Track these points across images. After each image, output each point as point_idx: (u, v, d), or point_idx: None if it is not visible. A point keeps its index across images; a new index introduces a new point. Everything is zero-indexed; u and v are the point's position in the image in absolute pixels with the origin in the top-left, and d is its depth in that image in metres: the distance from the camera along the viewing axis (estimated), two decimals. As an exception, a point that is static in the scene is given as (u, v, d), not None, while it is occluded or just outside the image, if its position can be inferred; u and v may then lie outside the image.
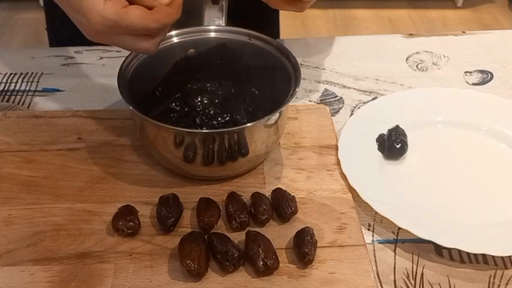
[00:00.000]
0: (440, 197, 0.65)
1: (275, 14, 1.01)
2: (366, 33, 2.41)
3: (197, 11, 0.73)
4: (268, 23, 1.00)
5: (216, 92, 0.72)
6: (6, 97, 0.80)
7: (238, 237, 0.59)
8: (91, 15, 0.53)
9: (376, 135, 0.72)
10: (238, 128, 0.61)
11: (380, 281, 0.57)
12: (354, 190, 0.64)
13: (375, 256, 0.60)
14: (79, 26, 0.56)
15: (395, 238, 0.61)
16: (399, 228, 0.61)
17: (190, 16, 0.70)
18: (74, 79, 0.82)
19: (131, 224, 0.59)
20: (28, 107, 0.79)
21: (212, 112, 0.69)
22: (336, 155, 0.69)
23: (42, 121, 0.73)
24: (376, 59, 0.88)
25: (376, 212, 0.62)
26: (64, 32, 0.72)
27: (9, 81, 0.83)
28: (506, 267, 0.59)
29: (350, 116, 0.76)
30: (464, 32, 0.95)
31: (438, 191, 0.66)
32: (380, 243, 0.61)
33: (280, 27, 1.04)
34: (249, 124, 0.61)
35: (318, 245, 0.58)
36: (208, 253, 0.57)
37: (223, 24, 0.73)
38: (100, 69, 0.84)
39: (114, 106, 0.77)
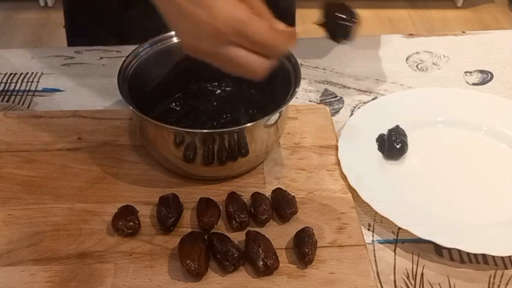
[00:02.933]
0: (440, 197, 0.65)
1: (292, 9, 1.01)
2: (366, 33, 2.41)
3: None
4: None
5: (216, 92, 0.72)
6: (7, 97, 0.80)
7: (238, 237, 0.59)
8: (218, 11, 0.49)
9: (376, 135, 0.72)
10: (238, 128, 0.61)
11: (380, 281, 0.57)
12: (354, 190, 0.64)
13: (375, 256, 0.60)
14: (189, 22, 0.51)
15: (395, 238, 0.61)
16: (399, 228, 0.61)
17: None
18: (74, 79, 0.82)
19: (131, 224, 0.59)
20: (28, 107, 0.79)
21: (212, 112, 0.69)
22: (336, 155, 0.69)
23: (43, 121, 0.73)
24: (376, 59, 0.88)
25: (376, 212, 0.62)
26: (83, 30, 0.70)
27: (9, 81, 0.83)
28: (506, 267, 0.59)
29: (350, 116, 0.76)
30: (464, 32, 0.95)
31: (438, 191, 0.66)
32: (380, 243, 0.61)
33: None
34: (249, 124, 0.61)
35: (318, 245, 0.58)
36: (208, 253, 0.57)
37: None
38: (100, 69, 0.84)
39: (114, 106, 0.78)
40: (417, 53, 0.90)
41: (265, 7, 0.53)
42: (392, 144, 0.69)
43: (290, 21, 1.01)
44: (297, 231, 0.59)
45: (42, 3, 2.71)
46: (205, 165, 0.62)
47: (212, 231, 0.59)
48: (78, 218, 0.62)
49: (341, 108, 0.79)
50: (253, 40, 0.51)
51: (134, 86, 0.65)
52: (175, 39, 0.71)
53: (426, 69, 0.86)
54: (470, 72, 0.86)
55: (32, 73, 0.84)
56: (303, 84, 0.82)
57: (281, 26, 0.53)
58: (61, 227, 0.60)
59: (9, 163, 0.68)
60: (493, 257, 0.59)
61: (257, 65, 0.52)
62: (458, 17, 2.74)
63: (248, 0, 0.51)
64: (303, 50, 0.89)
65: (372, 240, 0.61)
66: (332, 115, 0.76)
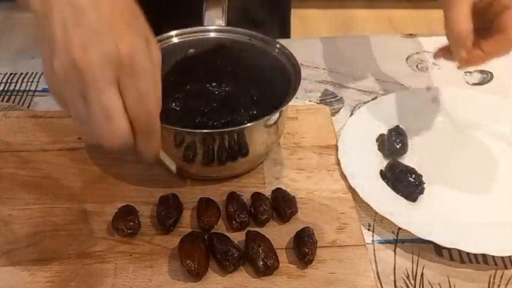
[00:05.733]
0: (440, 197, 0.65)
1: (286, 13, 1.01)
2: (366, 33, 2.41)
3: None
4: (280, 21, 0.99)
5: (216, 92, 0.72)
6: (7, 97, 0.80)
7: (238, 237, 0.59)
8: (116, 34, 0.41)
9: (376, 135, 0.72)
10: (238, 128, 0.61)
11: (380, 281, 0.57)
12: (354, 190, 0.64)
13: (375, 256, 0.60)
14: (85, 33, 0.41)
15: (395, 238, 0.61)
16: (399, 228, 0.61)
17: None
18: (74, 79, 0.82)
19: (131, 224, 0.59)
20: (28, 107, 0.79)
21: (212, 112, 0.69)
22: (336, 155, 0.69)
23: (43, 121, 0.73)
24: (376, 59, 0.88)
25: (376, 212, 0.62)
26: None
27: (9, 81, 0.83)
28: (506, 267, 0.59)
29: (350, 116, 0.76)
30: (464, 32, 0.95)
31: (438, 191, 0.66)
32: (380, 243, 0.61)
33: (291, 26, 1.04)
34: (249, 124, 0.61)
35: (318, 245, 0.58)
36: (208, 253, 0.57)
37: (223, 24, 0.73)
38: (100, 69, 0.84)
39: (114, 106, 0.77)
40: (417, 53, 0.90)
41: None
42: (392, 144, 0.70)
43: (284, 29, 1.01)
44: (297, 231, 0.59)
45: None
46: (205, 165, 0.62)
47: (212, 231, 0.59)
48: (78, 218, 0.62)
49: (341, 108, 0.79)
50: (138, 97, 0.43)
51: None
52: (175, 39, 0.71)
53: (426, 69, 0.86)
54: (470, 72, 0.86)
55: (32, 73, 0.84)
56: (303, 84, 0.82)
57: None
58: (61, 227, 0.60)
59: (9, 163, 0.68)
60: (493, 257, 0.59)
61: (120, 127, 0.43)
62: (458, 17, 2.73)
63: (149, 51, 0.44)
64: (303, 50, 0.89)
65: (372, 240, 0.61)
66: (332, 115, 0.76)
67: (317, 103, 0.79)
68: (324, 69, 0.86)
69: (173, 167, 0.53)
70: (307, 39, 0.91)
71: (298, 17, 2.48)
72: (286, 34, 1.01)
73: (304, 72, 0.82)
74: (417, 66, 0.87)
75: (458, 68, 0.66)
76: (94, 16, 0.42)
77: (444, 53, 0.67)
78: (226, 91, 0.72)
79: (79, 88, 0.41)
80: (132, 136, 0.44)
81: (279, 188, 0.64)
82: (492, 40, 0.62)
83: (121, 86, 0.42)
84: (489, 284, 0.57)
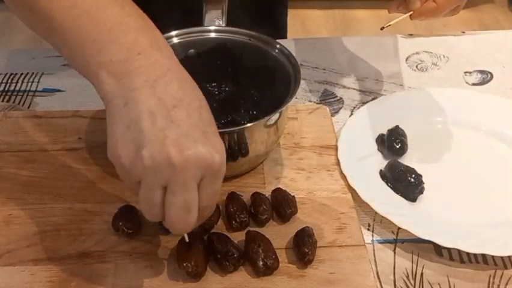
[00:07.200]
0: (440, 197, 0.65)
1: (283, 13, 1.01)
2: (366, 33, 2.41)
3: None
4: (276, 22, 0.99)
5: (216, 93, 0.72)
6: (7, 97, 0.80)
7: (238, 237, 0.59)
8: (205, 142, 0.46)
9: (376, 135, 0.72)
10: (238, 128, 0.61)
11: (380, 281, 0.57)
12: (354, 190, 0.64)
13: (375, 256, 0.60)
14: (151, 133, 0.44)
15: (395, 238, 0.61)
16: (399, 228, 0.61)
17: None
18: (75, 79, 0.82)
19: (131, 224, 0.59)
20: (28, 107, 0.79)
21: (212, 112, 0.69)
22: (336, 155, 0.69)
23: (43, 121, 0.74)
24: (376, 59, 0.88)
25: (376, 212, 0.62)
26: None
27: (9, 81, 0.83)
28: (506, 267, 0.59)
29: (350, 116, 0.76)
30: (464, 32, 0.95)
31: (438, 191, 0.66)
32: (380, 243, 0.61)
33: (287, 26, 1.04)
34: (249, 124, 0.61)
35: (318, 245, 0.58)
36: (206, 253, 0.56)
37: (223, 25, 0.73)
38: (100, 69, 0.84)
39: (114, 106, 0.77)
40: (417, 53, 0.90)
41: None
42: (392, 144, 0.70)
43: (281, 32, 1.01)
44: (297, 231, 0.59)
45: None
46: (205, 165, 0.62)
47: (212, 231, 0.59)
48: (78, 218, 0.62)
49: (340, 108, 0.79)
50: (212, 196, 0.48)
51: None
52: (175, 39, 0.71)
53: (426, 70, 0.86)
54: (470, 73, 0.86)
55: (32, 73, 0.84)
56: (303, 84, 0.82)
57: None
58: (61, 227, 0.61)
59: (10, 163, 0.68)
60: (493, 257, 0.59)
61: (193, 219, 0.48)
62: (458, 17, 2.72)
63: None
64: (303, 50, 0.89)
65: (372, 240, 0.61)
66: (331, 115, 0.76)
67: (317, 103, 0.79)
68: (324, 69, 0.86)
69: (186, 238, 0.55)
70: (307, 39, 0.92)
71: (298, 17, 2.48)
72: (283, 35, 1.01)
73: (304, 72, 0.82)
74: (417, 66, 0.87)
75: (412, 19, 0.68)
76: (183, 113, 0.45)
77: (399, 4, 0.68)
78: (226, 91, 0.72)
79: (165, 179, 0.45)
80: None
81: (279, 188, 0.64)
82: None
83: (201, 184, 0.46)
84: (489, 284, 0.57)
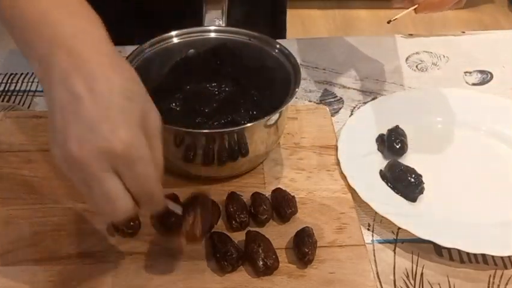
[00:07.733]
0: (440, 197, 0.65)
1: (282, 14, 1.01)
2: (366, 33, 2.41)
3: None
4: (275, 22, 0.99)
5: (216, 92, 0.72)
6: (7, 97, 0.80)
7: (238, 237, 0.59)
8: (118, 129, 0.43)
9: (376, 135, 0.72)
10: (238, 128, 0.61)
11: (380, 281, 0.57)
12: (354, 190, 0.64)
13: (375, 256, 0.60)
14: (82, 125, 0.43)
15: (395, 238, 0.61)
16: (399, 228, 0.61)
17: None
18: (75, 79, 0.82)
19: (131, 224, 0.59)
20: (28, 107, 0.79)
21: (212, 112, 0.69)
22: (336, 155, 0.69)
23: (43, 121, 0.73)
24: (376, 59, 0.88)
25: (376, 212, 0.62)
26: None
27: (9, 81, 0.83)
28: (506, 267, 0.59)
29: (350, 116, 0.76)
30: (464, 32, 0.95)
31: (438, 191, 0.66)
32: (380, 243, 0.61)
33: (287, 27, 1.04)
34: (249, 124, 0.61)
35: (318, 245, 0.58)
36: (208, 218, 0.55)
37: (223, 25, 0.73)
38: (100, 69, 0.84)
39: (114, 106, 0.77)
40: (417, 53, 0.90)
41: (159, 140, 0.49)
42: (392, 144, 0.70)
43: (281, 32, 1.01)
44: (297, 231, 0.59)
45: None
46: (205, 165, 0.62)
47: (212, 231, 0.59)
48: (78, 217, 0.62)
49: (340, 108, 0.79)
50: (137, 182, 0.45)
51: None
52: (175, 39, 0.71)
53: (426, 70, 0.86)
54: (470, 73, 0.86)
55: (32, 73, 0.84)
56: (303, 84, 0.82)
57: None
58: (61, 227, 0.61)
59: (10, 163, 0.68)
60: (493, 257, 0.59)
61: (123, 207, 0.46)
62: (458, 17, 2.73)
63: (146, 128, 0.47)
64: (303, 50, 0.89)
65: (372, 240, 0.61)
66: (331, 115, 0.76)
67: (317, 103, 0.79)
68: (324, 69, 0.86)
69: (178, 210, 0.54)
70: (306, 39, 0.92)
71: (298, 17, 2.48)
72: (283, 35, 1.01)
73: (304, 72, 0.82)
74: (417, 66, 0.87)
75: (416, 12, 0.68)
76: (90, 106, 0.43)
77: None
78: (226, 91, 0.71)
79: (80, 176, 0.44)
80: (136, 207, 0.47)
81: (279, 188, 0.64)
82: None
83: (119, 173, 0.44)
84: (489, 284, 0.57)
